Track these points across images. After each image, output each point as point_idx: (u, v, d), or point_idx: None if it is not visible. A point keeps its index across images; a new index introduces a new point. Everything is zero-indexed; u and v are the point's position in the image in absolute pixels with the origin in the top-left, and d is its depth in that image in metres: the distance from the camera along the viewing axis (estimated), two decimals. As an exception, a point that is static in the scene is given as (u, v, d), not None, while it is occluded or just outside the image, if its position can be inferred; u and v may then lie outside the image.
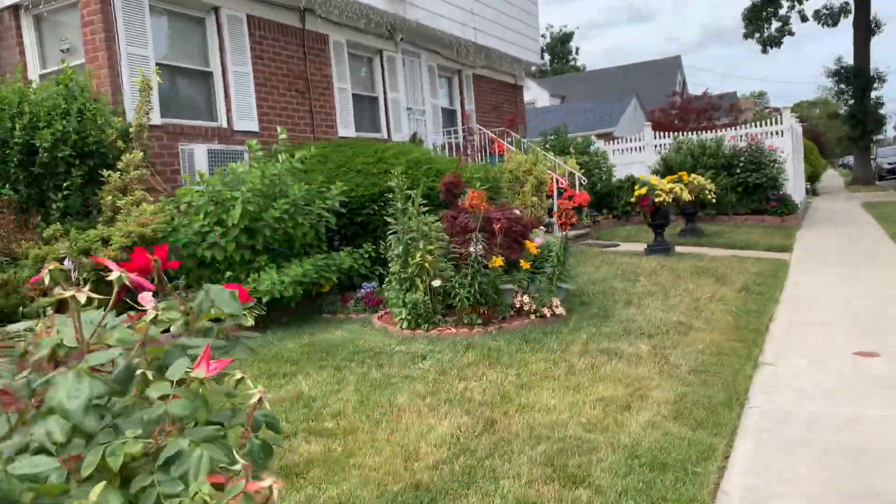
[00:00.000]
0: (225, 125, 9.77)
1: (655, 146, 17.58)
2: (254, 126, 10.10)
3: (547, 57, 69.61)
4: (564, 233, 6.54)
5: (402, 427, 4.04)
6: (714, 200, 12.61)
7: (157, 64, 8.81)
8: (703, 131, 17.25)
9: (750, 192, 15.36)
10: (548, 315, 6.28)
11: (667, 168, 16.05)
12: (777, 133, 15.99)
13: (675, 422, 4.07)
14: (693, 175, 12.52)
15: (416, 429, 4.00)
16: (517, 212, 6.50)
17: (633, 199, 10.77)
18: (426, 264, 6.00)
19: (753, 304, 7.18)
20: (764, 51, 34.94)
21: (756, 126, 16.54)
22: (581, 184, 13.64)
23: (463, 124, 15.75)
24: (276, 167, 6.60)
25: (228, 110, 9.81)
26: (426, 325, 6.07)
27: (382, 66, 13.19)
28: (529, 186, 11.44)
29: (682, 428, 3.97)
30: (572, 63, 69.94)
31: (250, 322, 5.99)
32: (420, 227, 6.02)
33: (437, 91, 14.95)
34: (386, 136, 13.11)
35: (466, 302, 6.04)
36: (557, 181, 12.40)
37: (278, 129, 7.28)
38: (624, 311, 6.86)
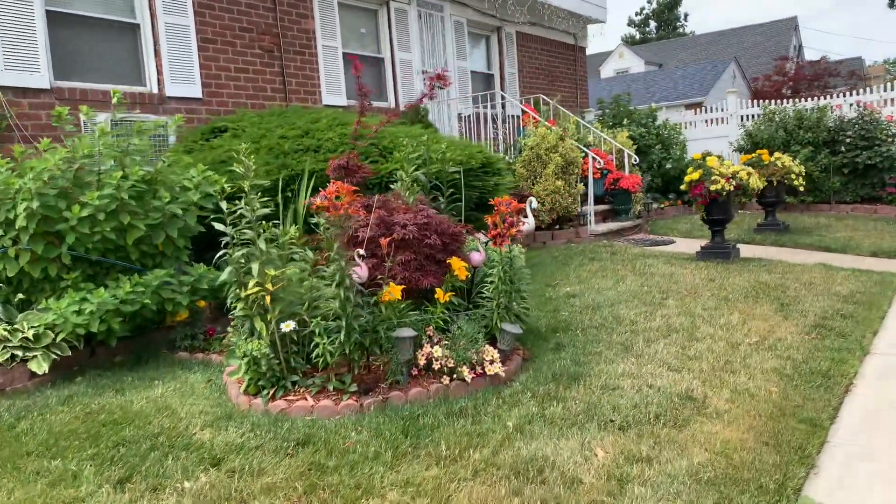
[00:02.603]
0: (155, 90, 7.87)
1: (741, 117, 14.52)
2: (195, 91, 8.15)
3: (653, 24, 64.66)
4: (505, 247, 4.18)
5: None
6: (802, 188, 9.69)
7: (48, 12, 6.99)
8: (805, 99, 14.08)
9: (859, 175, 12.19)
10: (468, 380, 3.99)
11: (753, 144, 13.10)
12: (898, 100, 12.67)
13: None
14: (777, 155, 9.66)
15: None
16: (432, 213, 4.21)
17: (682, 187, 8.15)
18: (266, 298, 3.83)
19: (824, 358, 4.58)
20: (891, 5, 30.19)
21: (870, 92, 13.20)
22: (633, 163, 11.01)
23: (501, 90, 13.33)
24: (91, 144, 4.57)
25: (159, 72, 7.89)
26: (272, 391, 3.92)
27: (390, 20, 10.96)
28: (553, 167, 8.97)
29: None
30: (680, 31, 64.63)
31: (43, 369, 3.72)
32: (256, 241, 3.83)
33: (465, 52, 12.55)
34: (393, 105, 10.93)
35: (330, 357, 3.84)
36: (595, 160, 9.82)
37: (111, 90, 5.24)
38: (610, 366, 4.46)
